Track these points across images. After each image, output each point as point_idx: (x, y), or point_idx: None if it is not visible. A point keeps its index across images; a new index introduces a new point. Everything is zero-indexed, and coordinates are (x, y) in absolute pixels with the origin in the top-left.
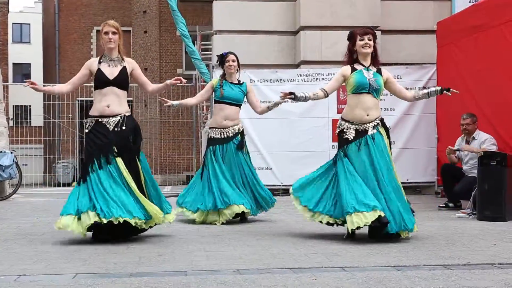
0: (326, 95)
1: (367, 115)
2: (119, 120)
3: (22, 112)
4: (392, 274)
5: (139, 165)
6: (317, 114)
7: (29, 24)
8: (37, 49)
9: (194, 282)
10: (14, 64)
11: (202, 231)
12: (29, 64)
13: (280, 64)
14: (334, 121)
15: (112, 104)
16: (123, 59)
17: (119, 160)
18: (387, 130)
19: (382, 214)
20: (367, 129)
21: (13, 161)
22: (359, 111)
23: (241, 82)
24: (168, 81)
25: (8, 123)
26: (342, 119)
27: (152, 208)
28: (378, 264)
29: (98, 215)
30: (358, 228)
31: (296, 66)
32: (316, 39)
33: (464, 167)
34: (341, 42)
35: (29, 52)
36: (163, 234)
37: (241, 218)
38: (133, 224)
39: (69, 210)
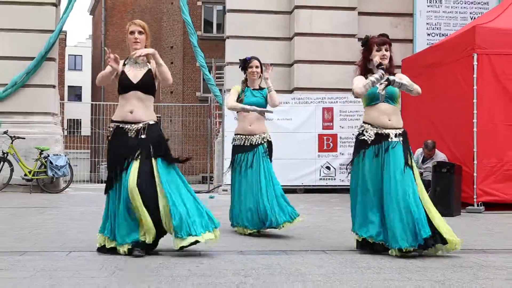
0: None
1: (389, 120)
2: (142, 127)
3: (74, 124)
4: (364, 256)
5: (158, 175)
6: (306, 130)
7: (81, 55)
8: (87, 75)
9: (206, 260)
10: (69, 86)
11: None
12: (81, 87)
13: (278, 89)
14: (320, 136)
15: (136, 109)
16: (149, 62)
17: (134, 167)
18: (407, 141)
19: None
20: (388, 134)
21: (66, 162)
22: (380, 116)
23: (262, 88)
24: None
25: (63, 133)
26: (364, 122)
27: (147, 223)
28: (352, 248)
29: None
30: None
31: (291, 91)
32: (306, 71)
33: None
34: (327, 73)
35: (81, 78)
36: None
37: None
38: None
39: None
